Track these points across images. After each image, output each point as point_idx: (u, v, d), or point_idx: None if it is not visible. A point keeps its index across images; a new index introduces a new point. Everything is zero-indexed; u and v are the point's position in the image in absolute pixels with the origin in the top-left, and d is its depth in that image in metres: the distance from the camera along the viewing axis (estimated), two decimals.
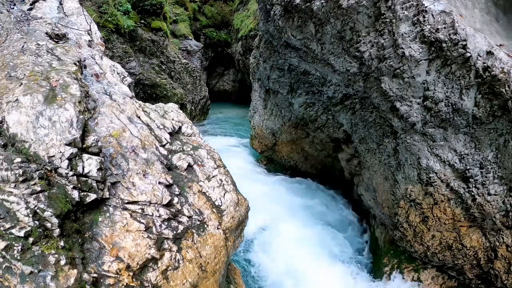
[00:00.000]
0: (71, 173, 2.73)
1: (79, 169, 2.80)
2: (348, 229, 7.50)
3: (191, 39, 18.90)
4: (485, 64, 3.74)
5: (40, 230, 2.40)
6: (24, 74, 3.16)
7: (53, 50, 3.67)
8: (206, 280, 3.22)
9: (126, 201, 3.04)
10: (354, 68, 4.96)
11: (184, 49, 17.98)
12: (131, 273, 2.67)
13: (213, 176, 3.87)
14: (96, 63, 4.28)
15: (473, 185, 4.29)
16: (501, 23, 4.61)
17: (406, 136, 4.81)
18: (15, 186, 2.46)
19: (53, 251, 2.38)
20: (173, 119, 4.30)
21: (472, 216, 4.41)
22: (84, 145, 2.94)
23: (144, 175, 3.28)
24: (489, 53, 3.75)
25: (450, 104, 4.11)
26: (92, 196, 2.80)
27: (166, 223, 3.11)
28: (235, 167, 9.57)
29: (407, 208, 5.11)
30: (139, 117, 3.90)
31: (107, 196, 2.96)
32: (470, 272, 4.62)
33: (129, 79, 4.67)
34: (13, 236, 2.30)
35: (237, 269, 4.66)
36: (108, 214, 2.89)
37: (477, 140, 4.19)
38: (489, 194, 4.19)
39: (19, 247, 2.28)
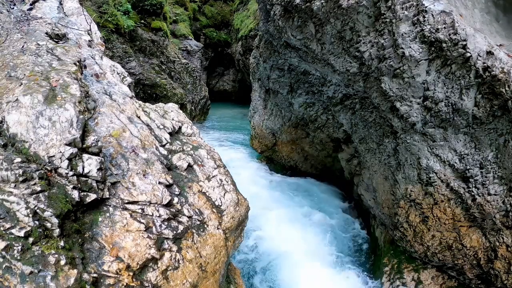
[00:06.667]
0: (71, 173, 2.73)
1: (79, 169, 2.80)
2: (348, 229, 7.50)
3: (191, 39, 18.91)
4: (485, 64, 3.74)
5: (40, 230, 2.40)
6: (24, 74, 3.16)
7: (53, 50, 3.67)
8: (206, 280, 3.22)
9: (126, 201, 3.04)
10: (354, 68, 4.96)
11: (184, 49, 17.99)
12: (131, 273, 2.67)
13: (213, 176, 3.87)
14: (96, 63, 4.28)
15: (473, 185, 4.29)
16: (501, 23, 4.60)
17: (406, 136, 4.81)
18: (15, 186, 2.46)
19: (53, 251, 2.38)
20: (173, 119, 4.30)
21: (472, 216, 4.41)
22: (84, 145, 2.94)
23: (144, 175, 3.28)
24: (489, 53, 3.75)
25: (450, 104, 4.11)
26: (92, 196, 2.80)
27: (166, 223, 3.11)
28: (235, 167, 9.60)
29: (407, 208, 5.11)
30: (139, 117, 3.90)
31: (107, 196, 2.96)
32: (470, 272, 4.62)
33: (129, 79, 4.67)
34: (13, 236, 2.30)
35: (237, 269, 4.66)
36: (108, 214, 2.89)
37: (477, 140, 4.19)
38: (489, 194, 4.19)
39: (19, 247, 2.28)
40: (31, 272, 2.24)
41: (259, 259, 6.33)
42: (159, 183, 3.32)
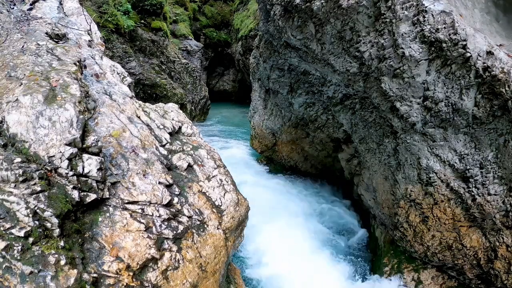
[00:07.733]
0: (71, 173, 2.73)
1: (79, 169, 2.80)
2: (348, 229, 7.50)
3: (191, 39, 18.92)
4: (485, 64, 3.74)
5: (40, 230, 2.40)
6: (24, 74, 3.16)
7: (53, 50, 3.67)
8: (206, 280, 3.22)
9: (126, 201, 3.04)
10: (354, 68, 4.96)
11: (184, 49, 17.99)
12: (131, 273, 2.67)
13: (213, 176, 3.87)
14: (96, 63, 4.28)
15: (473, 185, 4.29)
16: (501, 23, 4.60)
17: (406, 136, 4.81)
18: (15, 186, 2.46)
19: (53, 251, 2.38)
20: (173, 119, 4.30)
21: (472, 216, 4.41)
22: (84, 145, 2.94)
23: (144, 175, 3.28)
24: (489, 53, 3.75)
25: (450, 104, 4.11)
26: (92, 196, 2.80)
27: (166, 223, 3.11)
28: (235, 167, 9.59)
29: (407, 208, 5.11)
30: (139, 117, 3.90)
31: (107, 196, 2.96)
32: (470, 272, 4.62)
33: (129, 79, 4.67)
34: (13, 236, 2.30)
35: (237, 269, 4.67)
36: (108, 214, 2.89)
37: (477, 140, 4.19)
38: (489, 194, 4.19)
39: (19, 247, 2.28)
40: (31, 272, 2.24)
41: (254, 259, 6.32)
42: (159, 183, 3.32)
